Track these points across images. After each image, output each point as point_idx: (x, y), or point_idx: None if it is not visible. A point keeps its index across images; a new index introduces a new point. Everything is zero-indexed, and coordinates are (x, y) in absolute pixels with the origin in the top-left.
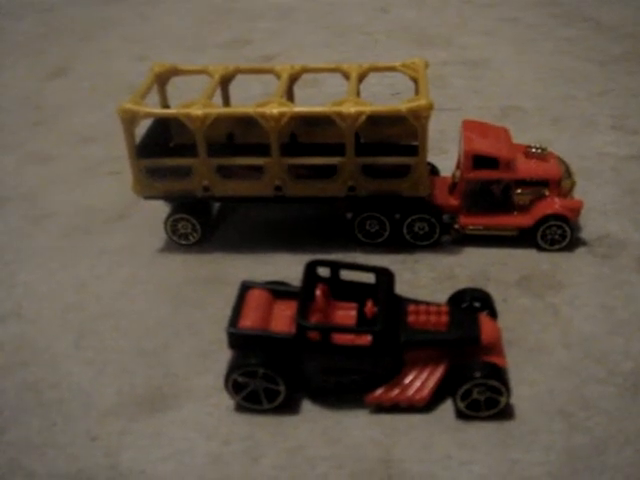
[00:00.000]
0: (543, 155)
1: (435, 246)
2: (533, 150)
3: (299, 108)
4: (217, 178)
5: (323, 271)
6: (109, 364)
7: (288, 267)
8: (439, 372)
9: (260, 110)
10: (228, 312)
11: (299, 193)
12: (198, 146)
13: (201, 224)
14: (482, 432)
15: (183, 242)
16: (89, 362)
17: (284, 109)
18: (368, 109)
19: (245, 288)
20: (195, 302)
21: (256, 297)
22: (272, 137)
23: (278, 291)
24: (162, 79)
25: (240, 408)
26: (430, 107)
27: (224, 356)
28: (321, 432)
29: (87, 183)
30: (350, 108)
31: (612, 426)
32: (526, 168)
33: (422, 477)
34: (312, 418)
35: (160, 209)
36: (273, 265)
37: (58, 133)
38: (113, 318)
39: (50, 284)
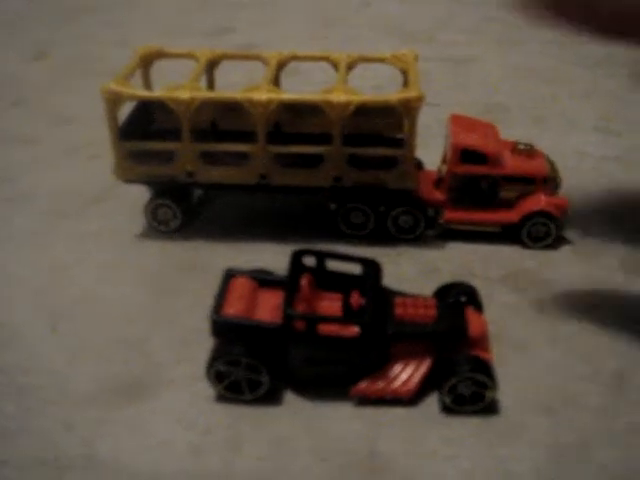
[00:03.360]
0: (530, 152)
1: (419, 240)
2: (520, 147)
3: (288, 95)
4: (201, 164)
5: (308, 261)
6: (86, 351)
7: (270, 256)
8: (425, 365)
9: (248, 96)
10: (209, 300)
11: (284, 182)
12: (183, 130)
13: (182, 211)
14: (467, 427)
15: (163, 229)
16: (65, 348)
17: (273, 95)
18: (358, 98)
19: (229, 276)
20: (175, 289)
21: (240, 285)
22: (259, 124)
23: (262, 280)
24: (147, 62)
25: (221, 398)
26: (421, 98)
27: (205, 345)
28: (304, 424)
29: (66, 166)
30: (340, 97)
31: (597, 423)
32: (513, 164)
33: (407, 471)
34: (295, 409)
35: (139, 194)
36: (254, 254)
37: (38, 115)
38: (90, 304)
39: (26, 267)
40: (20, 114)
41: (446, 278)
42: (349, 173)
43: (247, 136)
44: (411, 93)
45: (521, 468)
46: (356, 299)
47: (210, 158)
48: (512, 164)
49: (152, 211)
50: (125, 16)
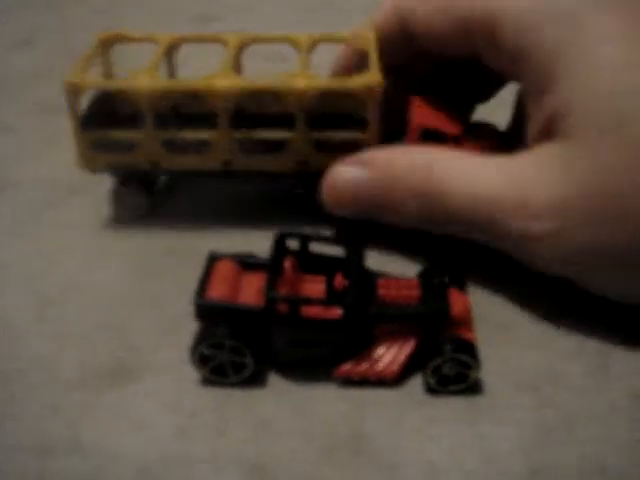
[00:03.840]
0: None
1: None
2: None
3: (246, 83)
4: (164, 151)
5: (291, 244)
6: (71, 336)
7: (252, 240)
8: (409, 347)
9: (207, 85)
10: (193, 285)
11: (248, 167)
12: (145, 119)
13: (149, 197)
14: (451, 407)
15: (131, 215)
16: (50, 334)
17: (232, 84)
18: (317, 85)
19: (213, 259)
20: (159, 275)
21: (224, 268)
22: (220, 112)
23: (247, 263)
24: (106, 46)
25: (206, 381)
26: (382, 84)
27: (189, 329)
28: (289, 406)
29: (49, 155)
30: (299, 83)
31: (581, 401)
32: (473, 145)
33: (391, 451)
34: (280, 392)
35: None
36: (235, 238)
37: (20, 104)
38: (75, 290)
39: (10, 256)
40: (3, 103)
41: (424, 260)
42: (315, 157)
43: (209, 120)
44: (372, 77)
45: (505, 446)
46: (340, 281)
47: (173, 145)
48: (472, 145)
49: (119, 199)
50: (111, 3)
